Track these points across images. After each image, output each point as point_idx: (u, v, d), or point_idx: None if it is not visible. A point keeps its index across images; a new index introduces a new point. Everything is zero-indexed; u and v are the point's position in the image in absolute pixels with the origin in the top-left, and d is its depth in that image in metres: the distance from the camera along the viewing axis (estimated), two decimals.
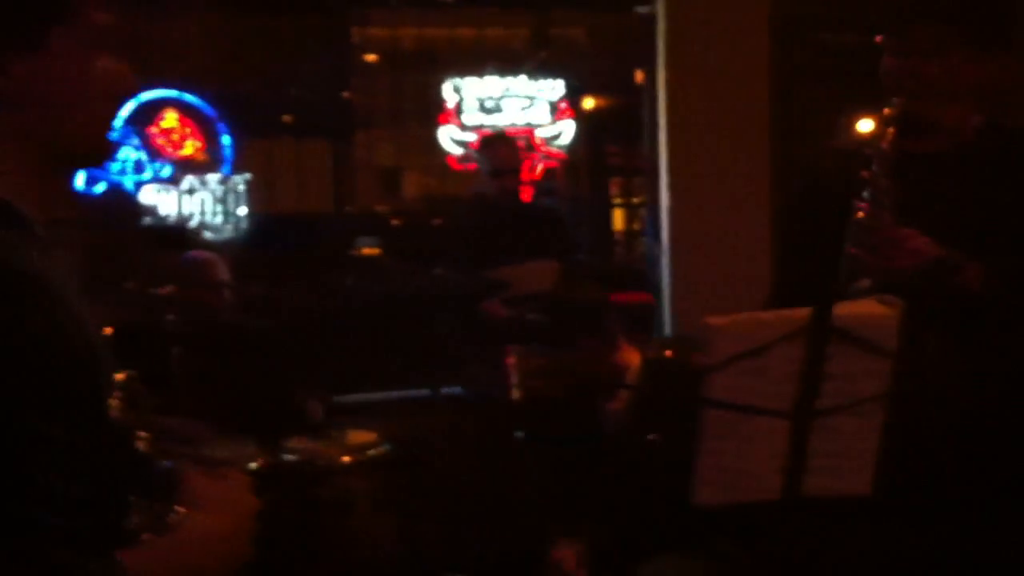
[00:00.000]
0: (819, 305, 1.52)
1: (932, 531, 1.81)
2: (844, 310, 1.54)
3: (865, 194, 1.82)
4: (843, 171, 1.93)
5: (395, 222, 7.79)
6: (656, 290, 5.23)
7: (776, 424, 1.57)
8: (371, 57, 7.77)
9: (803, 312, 1.53)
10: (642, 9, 5.33)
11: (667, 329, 4.66)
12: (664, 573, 2.58)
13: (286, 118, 7.67)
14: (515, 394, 3.64)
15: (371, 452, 3.51)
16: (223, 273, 3.84)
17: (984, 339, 1.82)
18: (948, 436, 1.81)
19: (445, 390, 3.80)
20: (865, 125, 5.36)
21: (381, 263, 5.72)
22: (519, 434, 3.14)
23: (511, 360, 3.66)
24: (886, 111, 1.88)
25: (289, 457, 3.04)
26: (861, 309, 1.57)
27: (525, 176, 4.64)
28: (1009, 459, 1.83)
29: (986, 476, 1.82)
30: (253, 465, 2.84)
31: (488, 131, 5.08)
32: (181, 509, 1.14)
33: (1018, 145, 1.97)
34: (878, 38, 1.97)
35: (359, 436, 3.61)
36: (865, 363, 1.55)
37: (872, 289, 1.71)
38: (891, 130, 1.85)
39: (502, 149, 4.46)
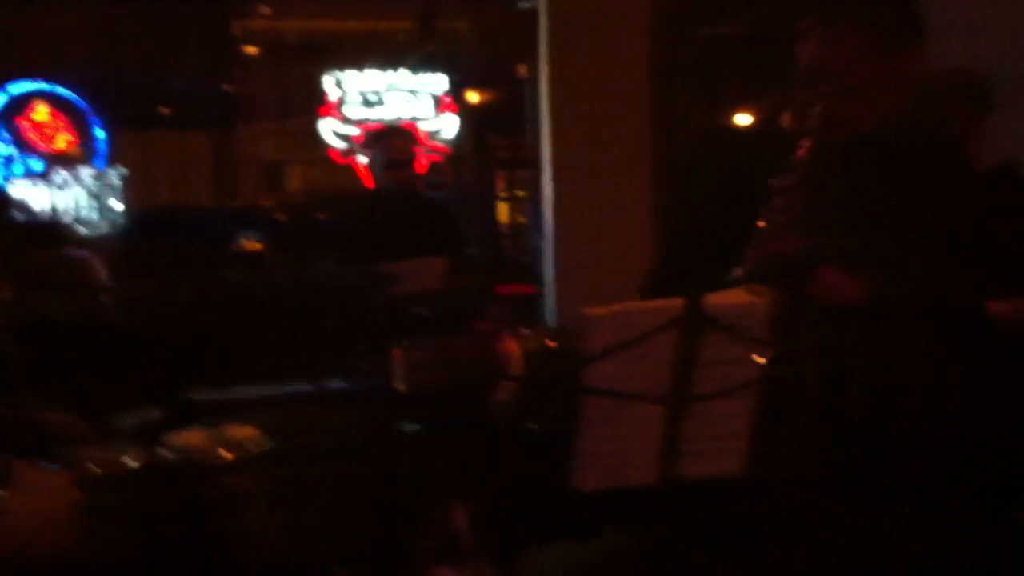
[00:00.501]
0: (692, 294, 1.57)
1: (790, 508, 1.88)
2: (716, 299, 1.59)
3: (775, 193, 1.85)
4: (744, 164, 1.97)
5: (279, 216, 7.68)
6: (541, 282, 5.27)
7: (653, 410, 1.62)
8: (253, 49, 7.64)
9: (678, 301, 1.58)
10: (524, 4, 5.37)
11: (552, 320, 4.71)
12: (555, 560, 2.63)
13: (165, 110, 7.47)
14: (401, 387, 3.63)
15: (253, 448, 3.46)
16: (99, 272, 3.74)
17: (860, 330, 1.89)
18: (814, 424, 1.88)
19: (330, 384, 3.78)
20: (744, 119, 5.52)
21: (264, 257, 5.65)
22: (409, 427, 3.12)
23: (397, 353, 3.65)
24: (815, 111, 1.89)
25: (167, 455, 2.99)
26: (731, 299, 1.62)
27: (415, 170, 4.62)
28: (870, 444, 1.92)
29: (851, 463, 1.89)
30: (131, 464, 2.78)
31: (371, 124, 5.06)
32: (2, 493, 1.20)
33: (920, 141, 2.05)
34: (803, 26, 2.00)
35: (240, 432, 3.55)
36: (736, 350, 1.61)
37: (744, 278, 1.76)
38: (808, 141, 1.87)
39: (397, 140, 4.46)
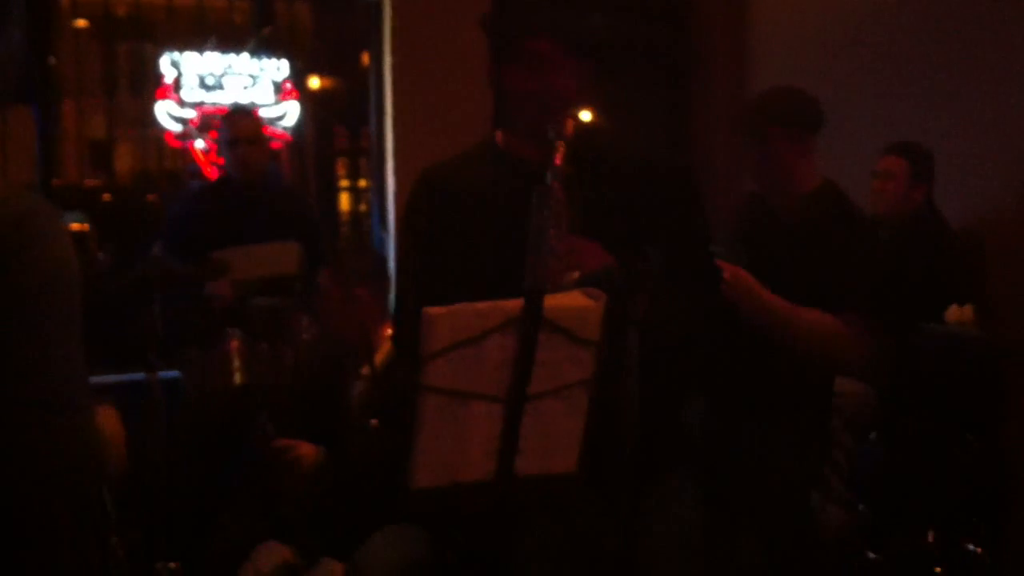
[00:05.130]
0: (530, 297, 1.61)
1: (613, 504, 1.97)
2: (552, 302, 1.63)
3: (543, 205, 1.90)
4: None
5: (106, 197, 7.39)
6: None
7: (490, 408, 1.65)
8: (81, 23, 7.32)
9: (516, 303, 1.62)
10: None
11: (392, 312, 4.70)
12: (384, 546, 2.65)
13: None
14: (237, 379, 3.57)
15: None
16: None
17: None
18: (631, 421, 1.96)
19: (162, 374, 3.68)
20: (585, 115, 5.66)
21: (90, 240, 5.44)
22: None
23: (234, 344, 3.60)
24: (550, 127, 1.94)
25: None
26: (568, 302, 1.67)
27: (264, 151, 4.49)
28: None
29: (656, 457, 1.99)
30: None
31: (208, 108, 4.93)
32: None
33: (607, 147, 2.16)
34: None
35: None
36: (570, 351, 1.66)
37: (580, 282, 1.82)
38: (562, 144, 1.92)
39: (241, 119, 4.36)
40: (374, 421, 2.64)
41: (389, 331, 3.00)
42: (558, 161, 1.88)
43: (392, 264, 5.19)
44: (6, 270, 1.32)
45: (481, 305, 1.64)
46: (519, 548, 1.99)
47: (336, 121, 5.83)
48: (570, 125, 2.07)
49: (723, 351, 2.59)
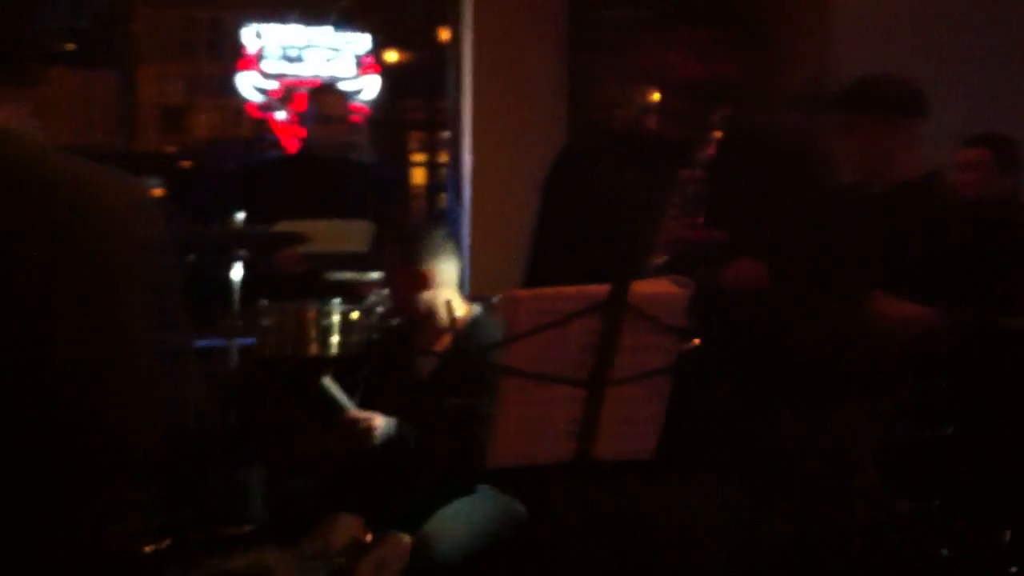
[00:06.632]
0: (617, 282, 1.61)
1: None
2: (640, 288, 1.63)
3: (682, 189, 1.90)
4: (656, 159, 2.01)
5: (184, 164, 7.50)
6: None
7: (571, 392, 1.66)
8: None
9: (602, 288, 1.62)
10: None
11: (466, 288, 4.73)
12: (451, 520, 2.68)
13: (68, 47, 7.20)
14: (312, 350, 3.62)
15: None
16: None
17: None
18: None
19: (239, 341, 3.74)
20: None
21: (166, 207, 5.53)
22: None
23: (310, 314, 3.65)
24: (715, 116, 1.94)
25: None
26: (655, 288, 1.66)
27: (347, 128, 4.52)
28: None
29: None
30: None
31: (289, 80, 4.98)
32: None
33: (758, 143, 2.12)
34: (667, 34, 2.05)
35: None
36: (655, 338, 1.66)
37: (666, 267, 1.81)
38: (719, 134, 1.92)
39: (331, 96, 4.40)
40: (451, 398, 2.66)
41: (460, 309, 3.00)
42: (711, 151, 1.88)
43: (463, 240, 5.22)
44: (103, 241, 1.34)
45: (567, 289, 1.64)
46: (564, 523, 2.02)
47: (410, 95, 5.84)
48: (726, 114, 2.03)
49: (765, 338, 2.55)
